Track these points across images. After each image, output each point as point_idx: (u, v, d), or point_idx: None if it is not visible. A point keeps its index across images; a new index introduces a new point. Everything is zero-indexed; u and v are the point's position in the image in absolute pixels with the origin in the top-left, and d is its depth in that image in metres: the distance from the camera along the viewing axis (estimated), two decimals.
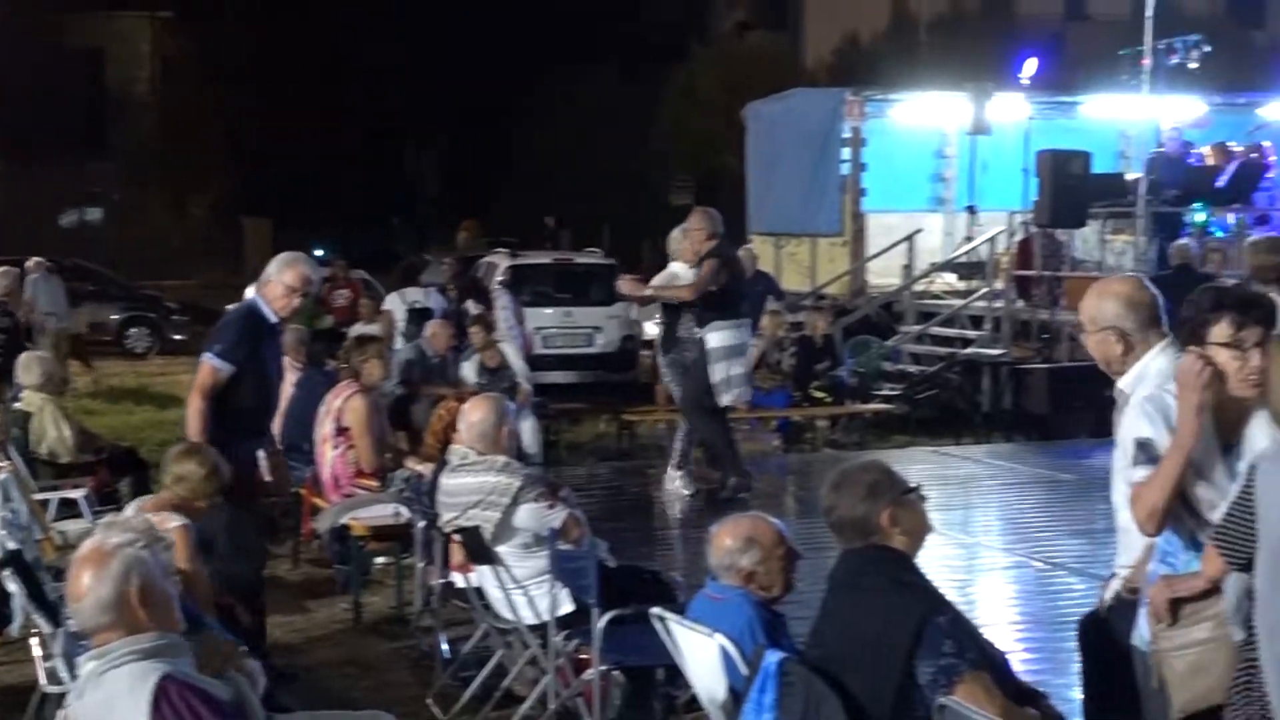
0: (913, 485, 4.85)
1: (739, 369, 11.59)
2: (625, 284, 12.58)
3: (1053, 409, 16.08)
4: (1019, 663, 7.07)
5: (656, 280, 12.25)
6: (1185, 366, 4.45)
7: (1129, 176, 19.10)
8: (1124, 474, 4.70)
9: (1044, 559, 9.97)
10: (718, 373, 11.43)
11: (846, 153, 21.23)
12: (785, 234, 22.69)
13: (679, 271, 11.83)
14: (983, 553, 10.56)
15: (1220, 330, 4.52)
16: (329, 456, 9.61)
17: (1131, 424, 4.67)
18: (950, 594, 4.98)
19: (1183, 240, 16.35)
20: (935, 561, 8.87)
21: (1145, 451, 4.54)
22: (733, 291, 11.59)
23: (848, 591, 4.72)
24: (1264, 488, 3.89)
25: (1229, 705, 4.17)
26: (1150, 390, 4.69)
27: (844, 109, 21.22)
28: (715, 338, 11.43)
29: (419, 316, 15.62)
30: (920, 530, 4.81)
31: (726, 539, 5.16)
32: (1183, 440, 4.41)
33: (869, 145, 21.28)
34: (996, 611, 8.96)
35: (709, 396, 11.49)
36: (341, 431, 9.58)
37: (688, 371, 11.63)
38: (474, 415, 7.22)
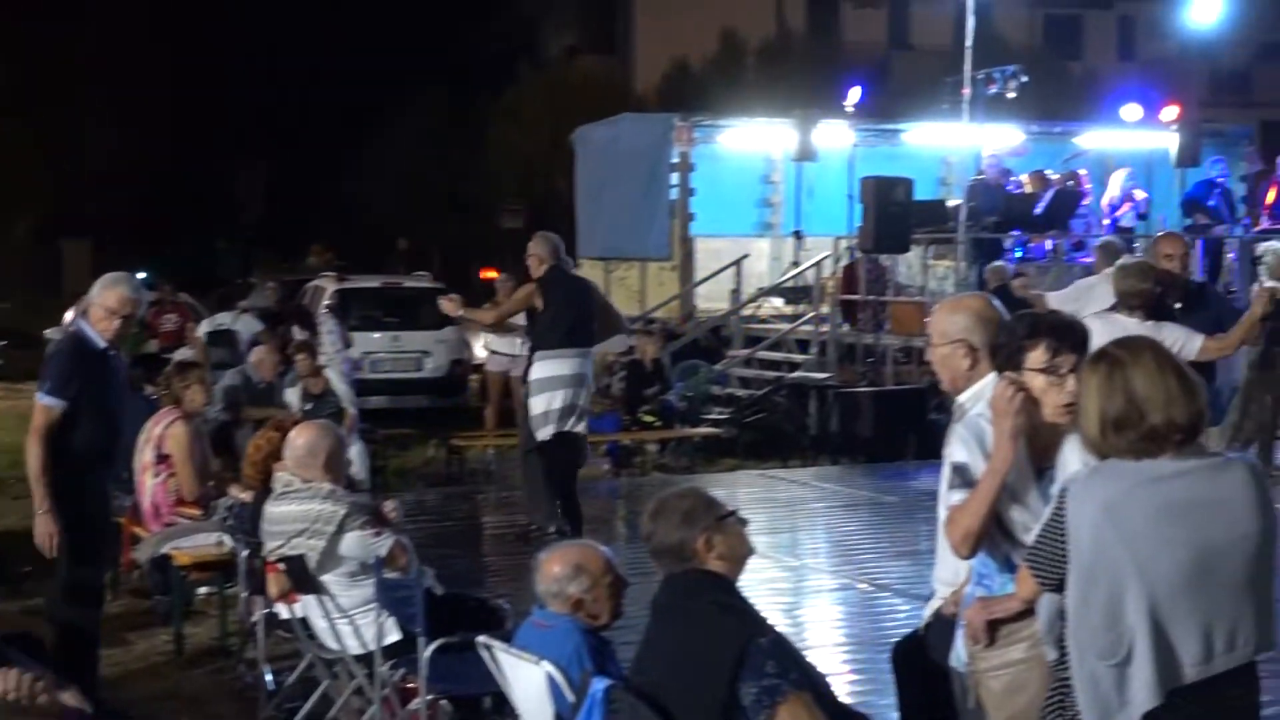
0: (730, 510, 4.89)
1: (563, 401, 10.80)
2: (445, 302, 11.74)
3: (878, 432, 16.28)
4: (843, 684, 7.16)
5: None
6: (998, 393, 4.54)
7: (950, 203, 19.50)
8: (942, 497, 4.79)
9: (869, 581, 10.10)
10: (536, 406, 10.80)
11: (675, 178, 21.39)
12: (615, 258, 22.77)
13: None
14: (809, 575, 10.67)
15: (1036, 356, 4.60)
16: (149, 485, 9.41)
17: (949, 448, 4.76)
18: (776, 617, 5.04)
19: (998, 262, 16.67)
20: (761, 584, 8.99)
21: (961, 475, 4.63)
22: (563, 319, 10.83)
23: (670, 616, 4.75)
24: (1074, 510, 3.97)
25: None
26: (970, 415, 4.78)
27: (673, 134, 21.39)
28: (536, 369, 10.85)
29: (220, 340, 15.43)
30: (739, 554, 4.85)
31: (554, 566, 5.16)
32: (997, 465, 4.50)
33: (697, 170, 21.47)
34: (822, 633, 9.05)
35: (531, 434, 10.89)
36: (162, 459, 9.39)
37: None
38: (298, 441, 7.11)
